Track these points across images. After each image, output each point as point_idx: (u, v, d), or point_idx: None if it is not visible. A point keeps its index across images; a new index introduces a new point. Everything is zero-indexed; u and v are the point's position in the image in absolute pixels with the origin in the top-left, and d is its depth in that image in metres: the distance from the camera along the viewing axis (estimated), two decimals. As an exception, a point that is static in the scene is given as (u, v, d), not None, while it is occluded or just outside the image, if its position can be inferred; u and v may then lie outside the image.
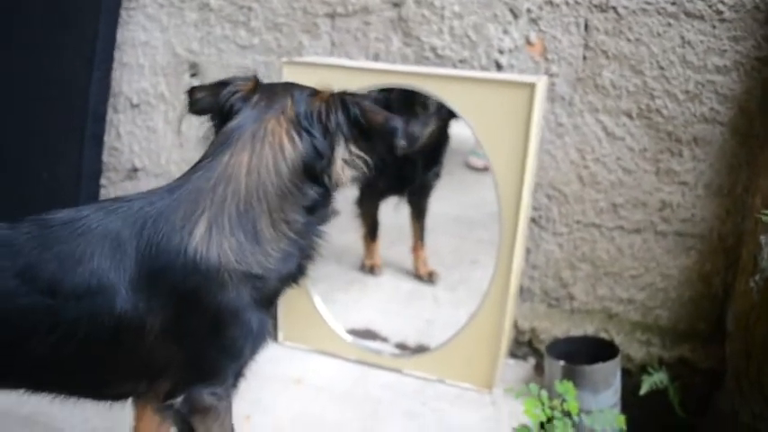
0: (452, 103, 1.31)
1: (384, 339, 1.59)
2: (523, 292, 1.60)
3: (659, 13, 1.38)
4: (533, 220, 1.54)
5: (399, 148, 1.00)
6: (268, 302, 0.98)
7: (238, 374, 1.01)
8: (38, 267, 0.87)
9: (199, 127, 1.80)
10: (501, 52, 1.49)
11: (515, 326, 1.60)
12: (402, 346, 1.58)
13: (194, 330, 0.93)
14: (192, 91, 1.07)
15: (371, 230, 1.90)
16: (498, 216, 1.36)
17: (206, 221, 0.92)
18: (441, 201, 1.86)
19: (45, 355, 0.89)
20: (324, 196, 1.00)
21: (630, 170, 1.47)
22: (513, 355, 1.61)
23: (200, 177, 0.94)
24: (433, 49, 1.53)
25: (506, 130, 1.28)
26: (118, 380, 0.97)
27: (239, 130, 0.95)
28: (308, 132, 0.96)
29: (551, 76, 1.46)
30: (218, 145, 0.97)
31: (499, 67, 1.49)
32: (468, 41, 1.50)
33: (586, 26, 1.43)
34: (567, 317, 1.59)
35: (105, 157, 1.92)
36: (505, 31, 1.47)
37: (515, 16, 1.46)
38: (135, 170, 1.90)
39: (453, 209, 1.92)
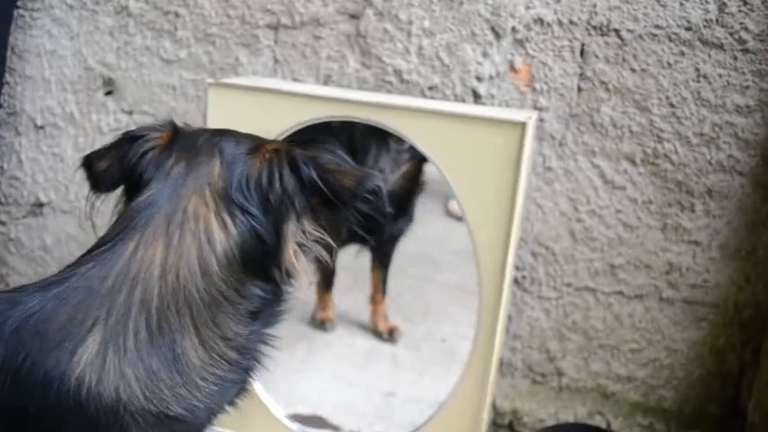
0: (422, 143, 1.04)
1: (335, 428, 1.30)
2: (503, 366, 1.33)
3: (671, 40, 1.15)
4: (516, 281, 1.28)
5: (386, 216, 0.72)
6: None
7: None
8: None
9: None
10: (479, 79, 1.23)
11: (493, 406, 1.33)
12: (356, 437, 1.29)
13: None
14: (88, 161, 0.78)
15: (327, 279, 1.62)
16: (478, 281, 1.09)
17: (99, 338, 0.62)
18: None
19: None
20: (274, 293, 0.73)
21: (632, 225, 1.22)
22: (489, 440, 1.34)
23: (92, 274, 0.65)
24: (398, 73, 1.26)
25: (489, 178, 1.01)
26: None
27: (149, 210, 0.67)
28: (245, 211, 0.68)
29: (539, 110, 1.21)
30: (120, 229, 0.68)
31: (477, 96, 1.23)
32: (440, 65, 1.24)
33: (583, 52, 1.18)
34: (554, 396, 1.32)
35: (5, 188, 1.59)
36: (485, 54, 1.22)
37: (498, 36, 1.21)
38: (40, 205, 1.57)
39: (411, 245, 1.65)
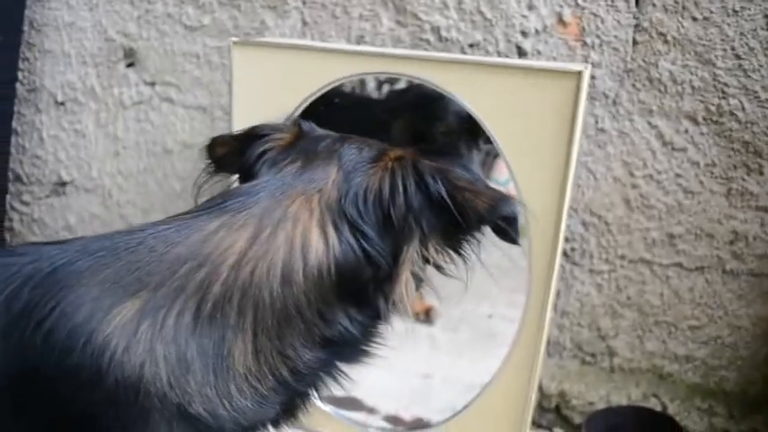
0: (466, 99, 0.95)
1: (371, 410, 1.23)
2: (550, 345, 1.24)
3: (737, -16, 1.04)
4: (565, 253, 1.19)
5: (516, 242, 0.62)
6: None
7: None
8: None
9: (138, 130, 1.45)
10: (524, 34, 1.13)
11: (539, 388, 1.24)
12: (394, 420, 1.22)
13: None
14: (211, 146, 0.74)
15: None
16: (528, 251, 1.01)
17: (139, 304, 0.54)
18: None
19: None
20: (364, 328, 0.62)
21: (693, 191, 1.12)
22: (535, 424, 1.26)
23: (163, 236, 0.58)
24: (435, 30, 1.17)
25: (540, 136, 0.93)
26: None
27: (248, 198, 0.60)
28: (356, 228, 0.60)
29: (591, 66, 1.11)
30: (210, 205, 0.61)
31: (522, 53, 1.14)
32: (482, 20, 1.15)
33: (638, 0, 1.08)
34: (605, 377, 1.23)
35: (27, 167, 1.54)
36: (531, 6, 1.12)
37: (544, -13, 1.11)
38: (62, 184, 1.53)
39: None
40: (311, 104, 1.02)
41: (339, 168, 0.62)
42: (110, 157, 1.47)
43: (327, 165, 0.63)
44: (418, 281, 0.63)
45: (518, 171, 0.96)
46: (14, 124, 1.51)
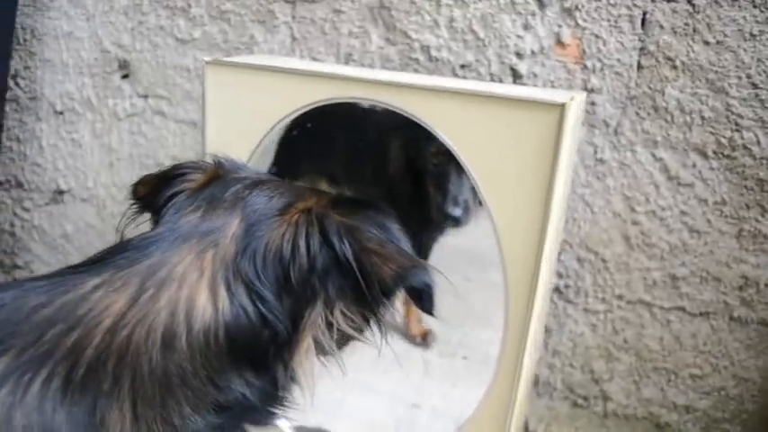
0: (438, 128, 0.89)
1: (344, 447, 1.18)
2: (539, 385, 1.17)
3: (754, 6, 0.94)
4: (558, 290, 1.12)
5: (429, 311, 0.55)
6: None
7: None
8: None
9: (132, 142, 1.44)
10: (519, 56, 1.06)
11: (526, 429, 1.17)
12: (369, 458, 1.17)
13: None
14: (137, 185, 0.70)
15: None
16: (504, 297, 0.94)
17: (4, 363, 0.49)
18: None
19: None
20: (264, 394, 0.56)
21: (700, 231, 1.03)
22: (522, 467, 1.19)
23: (31, 293, 0.52)
24: (425, 49, 1.11)
25: (519, 171, 0.86)
26: None
27: (135, 253, 0.55)
28: (251, 290, 0.54)
29: (591, 92, 1.03)
30: (94, 260, 0.56)
31: (516, 76, 1.07)
32: (474, 39, 1.08)
33: (644, 21, 1.00)
34: (597, 422, 1.15)
35: (28, 174, 1.55)
36: (527, 26, 1.05)
37: (542, 5, 1.03)
38: (60, 192, 1.53)
39: (458, 238, 1.49)
40: (289, 126, 0.98)
41: (242, 220, 0.56)
42: (104, 168, 1.46)
43: (230, 215, 0.57)
44: (320, 349, 0.57)
45: (494, 206, 0.89)
46: (17, 132, 1.52)
